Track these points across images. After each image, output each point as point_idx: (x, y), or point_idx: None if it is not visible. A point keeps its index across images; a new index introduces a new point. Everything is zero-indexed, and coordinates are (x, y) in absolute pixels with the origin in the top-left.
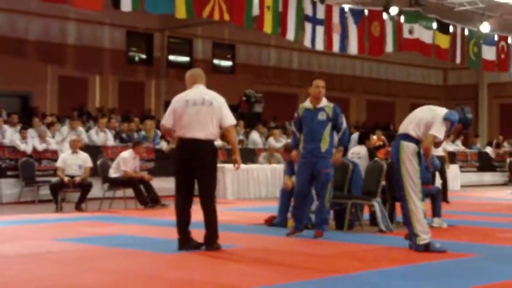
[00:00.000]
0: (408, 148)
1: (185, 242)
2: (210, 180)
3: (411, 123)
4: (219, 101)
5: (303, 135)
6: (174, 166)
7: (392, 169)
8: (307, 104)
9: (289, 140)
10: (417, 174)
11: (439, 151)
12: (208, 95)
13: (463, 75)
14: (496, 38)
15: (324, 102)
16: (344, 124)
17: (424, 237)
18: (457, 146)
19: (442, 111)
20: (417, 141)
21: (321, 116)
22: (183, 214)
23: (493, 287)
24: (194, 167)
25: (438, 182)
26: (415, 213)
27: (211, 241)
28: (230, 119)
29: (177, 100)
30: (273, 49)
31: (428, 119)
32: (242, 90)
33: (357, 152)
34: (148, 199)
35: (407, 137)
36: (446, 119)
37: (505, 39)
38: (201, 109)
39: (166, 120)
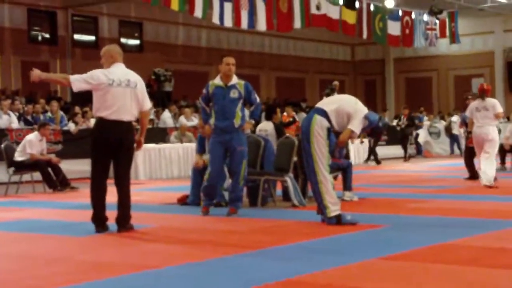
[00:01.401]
0: (321, 122)
1: (102, 223)
2: (130, 162)
3: (332, 104)
4: (141, 84)
5: (214, 113)
6: (92, 147)
7: (303, 143)
8: (218, 81)
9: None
10: (326, 147)
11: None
12: (132, 76)
13: (370, 51)
14: (400, 13)
15: (235, 79)
16: (258, 100)
17: (334, 209)
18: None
19: (364, 108)
20: (329, 122)
21: (233, 94)
22: (101, 196)
23: (402, 255)
24: (115, 148)
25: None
26: (325, 184)
27: (124, 222)
28: (148, 102)
29: (100, 75)
30: (182, 27)
31: (350, 110)
32: (150, 69)
33: (265, 129)
34: (57, 182)
35: (322, 113)
36: (366, 117)
37: (409, 14)
38: (125, 92)
39: (80, 84)
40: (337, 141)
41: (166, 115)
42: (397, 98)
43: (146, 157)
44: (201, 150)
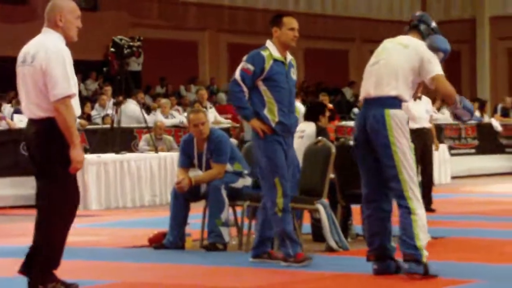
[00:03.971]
0: (397, 117)
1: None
2: (46, 185)
3: (387, 77)
4: (45, 56)
5: (272, 102)
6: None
7: (355, 153)
8: (276, 53)
9: (185, 115)
10: (413, 156)
11: (422, 121)
12: (35, 46)
13: (451, 5)
14: None
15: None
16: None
17: (426, 253)
18: (443, 115)
19: (420, 42)
20: (401, 104)
21: (293, 75)
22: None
23: None
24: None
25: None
26: (419, 216)
27: (38, 275)
28: (59, 88)
29: None
30: None
31: (413, 63)
32: (109, 36)
33: (301, 130)
34: None
35: (389, 100)
36: (438, 48)
37: None
38: (23, 73)
39: None
40: (445, 96)
41: (131, 109)
42: (495, 80)
43: (100, 174)
44: (185, 162)
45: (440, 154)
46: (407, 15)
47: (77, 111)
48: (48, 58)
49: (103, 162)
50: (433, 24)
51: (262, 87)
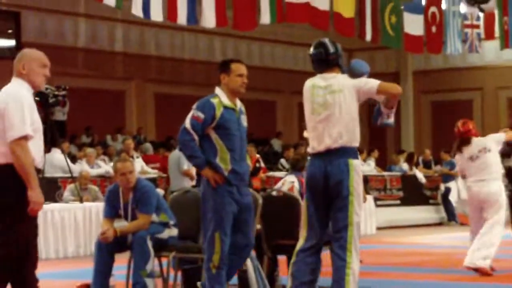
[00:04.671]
0: (358, 167)
1: None
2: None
3: (342, 129)
4: (5, 100)
5: (225, 150)
6: None
7: (308, 203)
8: (226, 100)
9: (111, 165)
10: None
11: None
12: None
13: (377, 60)
14: (424, 2)
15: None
16: None
17: None
18: (369, 167)
19: (344, 76)
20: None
21: (244, 122)
22: None
23: None
24: None
25: None
26: (353, 270)
27: None
28: (14, 130)
29: None
30: (83, 20)
31: (355, 101)
32: None
33: None
34: None
35: (352, 150)
36: (362, 73)
37: (438, 3)
38: None
39: None
40: (390, 98)
41: (56, 158)
42: (419, 133)
43: None
44: (111, 213)
45: (366, 205)
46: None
47: (37, 153)
48: (6, 102)
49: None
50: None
51: (214, 135)
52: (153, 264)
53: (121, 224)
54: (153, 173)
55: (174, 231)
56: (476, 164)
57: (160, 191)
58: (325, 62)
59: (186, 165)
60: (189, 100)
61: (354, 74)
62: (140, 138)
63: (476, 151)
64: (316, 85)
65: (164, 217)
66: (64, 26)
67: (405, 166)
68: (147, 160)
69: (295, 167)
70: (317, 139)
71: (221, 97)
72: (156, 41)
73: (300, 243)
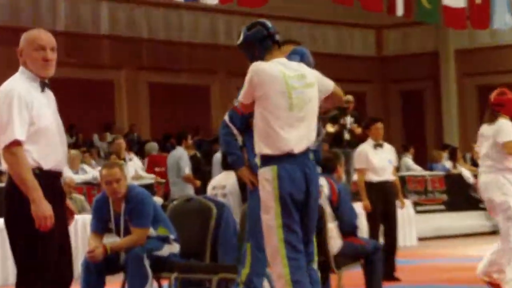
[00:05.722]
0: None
1: None
2: (16, 259)
3: (313, 127)
4: None
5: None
6: None
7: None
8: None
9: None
10: None
11: (384, 173)
12: None
13: (411, 38)
14: None
15: None
16: None
17: None
18: (405, 165)
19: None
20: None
21: None
22: None
23: None
24: None
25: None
26: None
27: None
28: (4, 135)
29: None
30: None
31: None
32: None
33: (221, 185)
34: None
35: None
36: (311, 63)
37: None
38: None
39: None
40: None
41: None
42: (463, 123)
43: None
44: (99, 227)
45: (404, 212)
46: (360, 48)
47: (48, 156)
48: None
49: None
50: None
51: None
52: (151, 287)
53: (112, 240)
54: (149, 178)
55: (175, 247)
56: None
57: (157, 200)
58: (270, 42)
59: (188, 169)
60: (189, 91)
61: (309, 64)
62: (133, 136)
63: None
64: (287, 74)
65: (163, 231)
66: (41, 6)
67: (448, 163)
68: (153, 162)
69: (326, 168)
70: (297, 139)
71: None
72: (148, 22)
73: None
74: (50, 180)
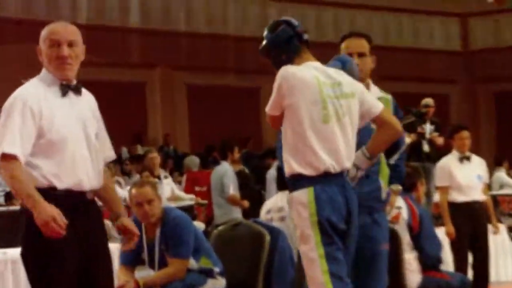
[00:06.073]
0: None
1: None
2: None
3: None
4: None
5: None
6: None
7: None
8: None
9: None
10: None
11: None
12: None
13: (502, 28)
14: None
15: (374, 88)
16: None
17: None
18: (498, 181)
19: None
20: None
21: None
22: None
23: None
24: None
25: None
26: None
27: None
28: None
29: None
30: None
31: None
32: (18, 80)
33: (278, 207)
34: None
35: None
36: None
37: None
38: None
39: None
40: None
41: None
42: None
43: (7, 278)
44: (130, 258)
45: (498, 238)
46: (441, 40)
47: (60, 173)
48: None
49: (10, 260)
50: None
51: None
52: None
53: (145, 274)
54: (188, 199)
55: (220, 282)
56: None
57: (199, 225)
58: (297, 42)
59: (232, 188)
60: (236, 94)
61: (352, 75)
62: (168, 149)
63: None
64: (321, 81)
65: (205, 262)
66: None
67: None
68: (193, 180)
69: (404, 186)
70: (334, 156)
71: None
72: (187, 12)
73: None
74: (69, 202)
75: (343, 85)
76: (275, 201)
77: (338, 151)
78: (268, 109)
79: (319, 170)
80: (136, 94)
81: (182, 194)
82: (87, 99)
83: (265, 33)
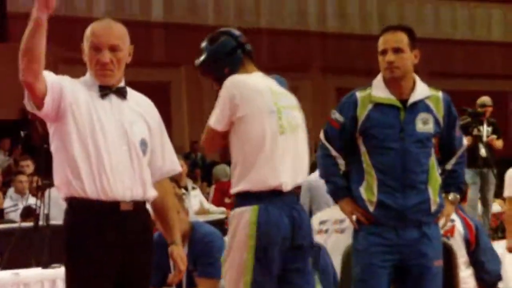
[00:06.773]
0: None
1: None
2: None
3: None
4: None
5: (373, 171)
6: None
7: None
8: (380, 92)
9: None
10: None
11: None
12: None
13: None
14: None
15: (421, 86)
16: (463, 138)
17: None
18: None
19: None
20: None
21: (424, 124)
22: None
23: None
24: None
25: None
26: None
27: None
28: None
29: None
30: None
31: None
32: None
33: (336, 219)
34: None
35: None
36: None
37: None
38: None
39: None
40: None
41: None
42: None
43: None
44: (156, 278)
45: None
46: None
47: (83, 180)
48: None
49: (22, 282)
50: None
51: (362, 148)
52: None
53: None
54: (218, 212)
55: None
56: None
57: None
58: (241, 53)
59: None
60: None
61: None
62: (195, 157)
63: None
64: (274, 90)
65: None
66: None
67: None
68: (222, 191)
69: None
70: (289, 171)
71: (374, 88)
72: (216, 4)
73: None
74: (97, 211)
75: (289, 96)
76: (333, 213)
77: (293, 166)
78: (212, 123)
79: (270, 187)
80: (160, 96)
81: (211, 207)
82: (138, 103)
83: (204, 44)
